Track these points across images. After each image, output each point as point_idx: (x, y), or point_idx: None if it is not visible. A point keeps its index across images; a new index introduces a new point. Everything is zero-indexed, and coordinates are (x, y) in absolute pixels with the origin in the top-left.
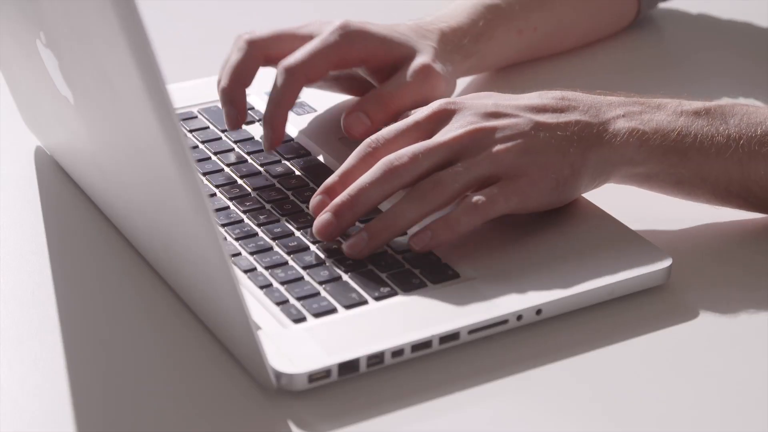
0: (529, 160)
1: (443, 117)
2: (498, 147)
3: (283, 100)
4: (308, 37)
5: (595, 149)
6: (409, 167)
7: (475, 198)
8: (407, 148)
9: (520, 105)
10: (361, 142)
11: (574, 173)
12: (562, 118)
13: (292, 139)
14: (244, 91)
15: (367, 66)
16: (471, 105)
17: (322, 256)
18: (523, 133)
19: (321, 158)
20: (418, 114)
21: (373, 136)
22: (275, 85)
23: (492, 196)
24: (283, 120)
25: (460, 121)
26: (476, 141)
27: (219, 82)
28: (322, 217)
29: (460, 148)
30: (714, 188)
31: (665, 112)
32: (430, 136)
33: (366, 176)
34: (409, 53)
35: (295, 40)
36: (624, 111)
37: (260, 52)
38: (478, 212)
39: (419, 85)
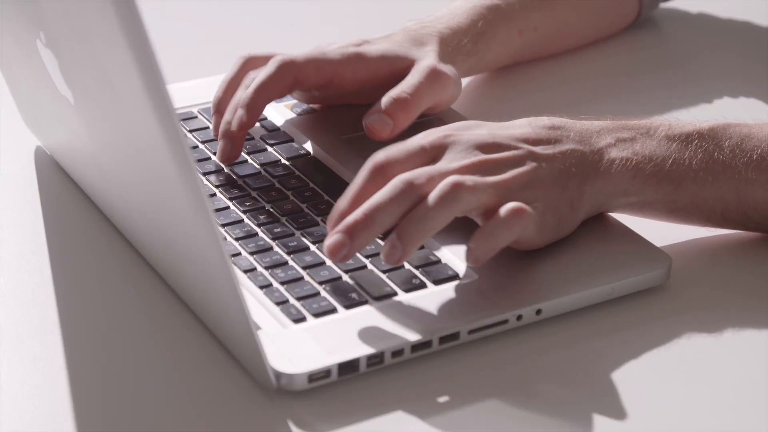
0: (533, 194)
1: (444, 147)
2: (507, 177)
3: (269, 86)
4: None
5: (590, 181)
6: (425, 187)
7: (514, 208)
8: (421, 169)
9: (515, 136)
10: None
11: (572, 209)
12: (558, 148)
13: (292, 139)
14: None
15: (371, 85)
16: (468, 136)
17: (322, 256)
18: (526, 167)
19: (321, 158)
20: (422, 140)
21: (381, 156)
22: (264, 70)
23: (529, 213)
24: (263, 106)
25: (462, 153)
26: (483, 172)
27: (217, 102)
28: (335, 238)
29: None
30: (710, 214)
31: (656, 137)
32: (431, 164)
33: (381, 195)
34: (409, 64)
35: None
36: (614, 138)
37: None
38: (521, 222)
39: (430, 85)
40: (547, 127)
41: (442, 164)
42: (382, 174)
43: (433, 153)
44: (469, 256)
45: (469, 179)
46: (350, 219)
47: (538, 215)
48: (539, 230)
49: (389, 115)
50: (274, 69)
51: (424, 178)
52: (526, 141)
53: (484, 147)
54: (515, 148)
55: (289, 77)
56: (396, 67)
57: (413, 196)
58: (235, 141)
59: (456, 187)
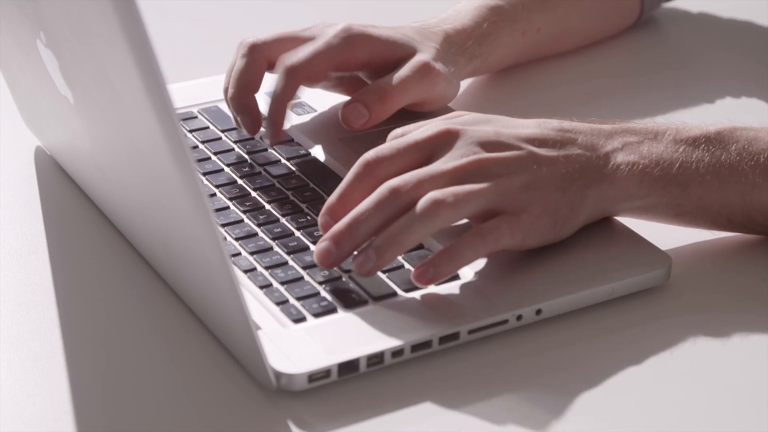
0: (531, 196)
1: (443, 141)
2: (502, 180)
3: (282, 96)
4: (311, 40)
5: (594, 186)
6: (411, 194)
7: (481, 229)
8: (410, 173)
9: (521, 136)
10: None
11: (572, 212)
12: (563, 151)
13: (292, 140)
14: (254, 97)
15: (370, 68)
16: (472, 132)
17: None
18: (526, 168)
19: (321, 158)
20: (418, 134)
21: (371, 154)
22: (277, 82)
23: (499, 229)
24: (282, 115)
25: (461, 149)
26: (480, 172)
27: (226, 90)
28: (322, 246)
29: (463, 178)
30: (715, 218)
31: (663, 141)
32: (428, 158)
33: (366, 203)
34: (411, 53)
35: (298, 42)
36: (622, 143)
37: (264, 56)
38: (484, 245)
39: (417, 80)
40: (556, 130)
41: (438, 164)
42: (369, 173)
43: (431, 147)
44: (424, 275)
45: (450, 196)
46: (336, 228)
47: (531, 219)
48: (530, 234)
49: (366, 105)
50: (309, 57)
51: (412, 183)
52: (532, 142)
53: (487, 145)
54: (518, 148)
55: (324, 65)
56: (398, 54)
57: (397, 205)
58: (277, 122)
59: (436, 205)
